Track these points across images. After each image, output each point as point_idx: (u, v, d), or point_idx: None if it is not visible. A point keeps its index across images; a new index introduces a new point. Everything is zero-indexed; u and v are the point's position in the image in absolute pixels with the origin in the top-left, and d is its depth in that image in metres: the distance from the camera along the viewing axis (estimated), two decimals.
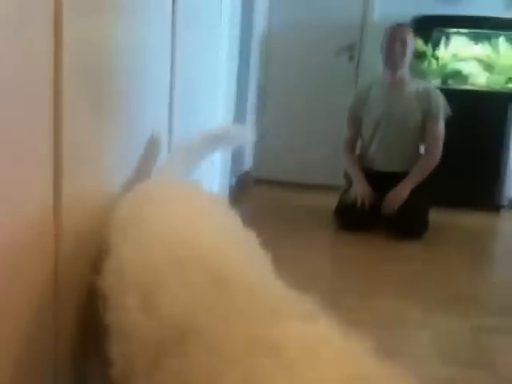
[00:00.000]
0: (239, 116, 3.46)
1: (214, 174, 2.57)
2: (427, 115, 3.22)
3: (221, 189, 2.81)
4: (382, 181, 3.19)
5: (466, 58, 4.04)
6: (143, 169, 1.31)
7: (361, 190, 3.20)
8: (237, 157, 3.53)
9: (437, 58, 4.02)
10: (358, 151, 3.48)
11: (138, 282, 0.77)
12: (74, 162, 0.92)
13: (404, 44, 3.19)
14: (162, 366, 0.64)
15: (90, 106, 0.98)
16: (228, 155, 3.05)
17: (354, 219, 3.15)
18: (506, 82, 4.00)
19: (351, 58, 4.36)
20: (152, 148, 1.36)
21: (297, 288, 0.70)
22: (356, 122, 3.40)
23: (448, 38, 4.03)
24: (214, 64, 2.30)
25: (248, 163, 4.31)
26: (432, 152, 3.24)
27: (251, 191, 4.10)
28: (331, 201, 3.37)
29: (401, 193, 3.14)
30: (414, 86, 3.27)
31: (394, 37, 3.20)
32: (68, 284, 0.94)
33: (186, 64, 1.67)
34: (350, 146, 3.44)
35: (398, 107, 3.24)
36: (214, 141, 1.44)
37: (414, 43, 3.37)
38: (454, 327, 1.99)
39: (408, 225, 3.08)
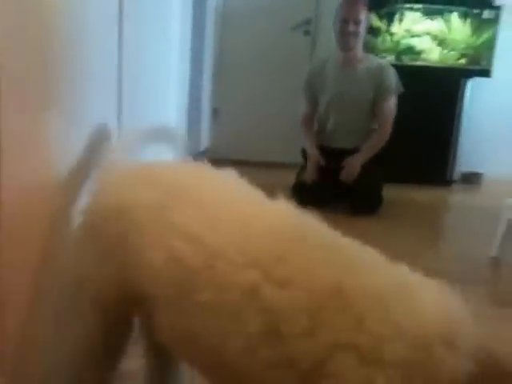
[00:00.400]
0: (194, 92, 3.40)
1: (167, 153, 2.51)
2: (379, 91, 3.23)
3: None
4: (340, 157, 3.21)
5: (420, 34, 4.07)
6: (90, 155, 1.25)
7: (313, 158, 3.23)
8: (193, 136, 3.48)
9: (391, 34, 4.04)
10: (316, 127, 3.48)
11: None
12: (13, 150, 0.87)
13: (357, 23, 3.17)
14: None
15: (30, 92, 0.93)
16: (183, 134, 2.99)
17: (310, 196, 3.15)
18: (459, 58, 4.06)
19: (307, 33, 4.33)
20: (100, 132, 1.30)
21: None
22: (312, 98, 3.39)
23: (402, 14, 4.04)
24: (166, 39, 2.24)
25: (205, 143, 4.27)
26: (383, 127, 3.26)
27: None
28: (289, 178, 3.37)
29: (355, 163, 3.17)
30: (366, 62, 3.27)
31: (346, 18, 3.17)
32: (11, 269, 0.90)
33: (135, 38, 1.61)
34: (307, 122, 3.44)
35: (350, 86, 3.24)
36: (152, 136, 1.39)
37: (368, 19, 3.35)
38: None
39: (362, 201, 3.12)
